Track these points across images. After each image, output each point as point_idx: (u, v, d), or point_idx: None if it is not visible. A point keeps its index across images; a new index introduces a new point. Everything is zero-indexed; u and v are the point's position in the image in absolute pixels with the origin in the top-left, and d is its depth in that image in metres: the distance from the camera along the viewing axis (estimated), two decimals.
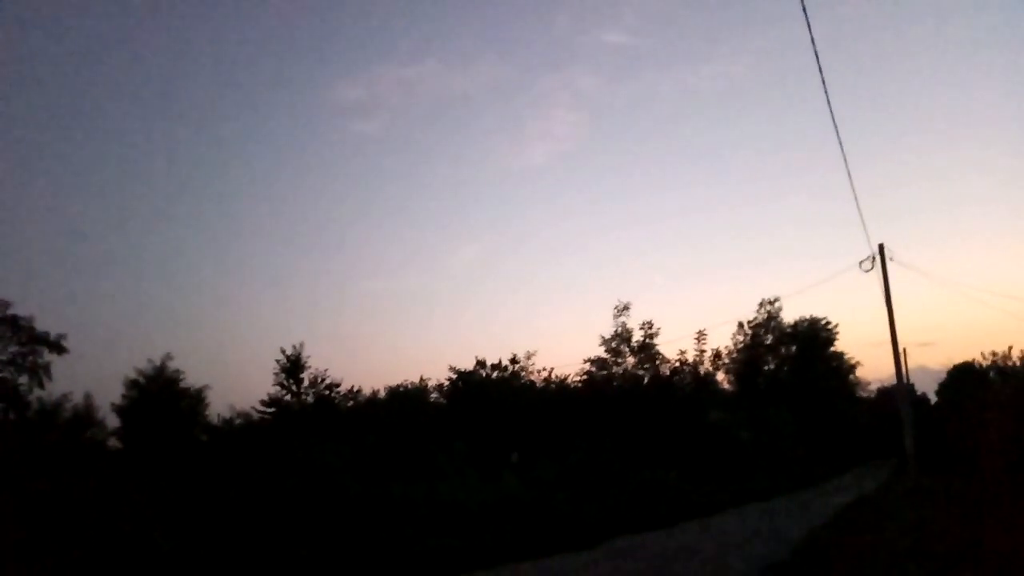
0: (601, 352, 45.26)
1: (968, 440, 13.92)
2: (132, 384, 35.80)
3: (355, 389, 40.58)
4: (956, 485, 15.91)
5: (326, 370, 37.84)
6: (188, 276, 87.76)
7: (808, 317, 61.14)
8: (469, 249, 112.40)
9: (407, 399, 43.99)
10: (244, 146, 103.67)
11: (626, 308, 44.64)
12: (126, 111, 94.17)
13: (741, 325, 59.46)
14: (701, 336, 45.14)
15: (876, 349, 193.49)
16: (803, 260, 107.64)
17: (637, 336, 44.60)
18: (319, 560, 13.71)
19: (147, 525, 14.07)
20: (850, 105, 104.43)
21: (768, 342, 60.42)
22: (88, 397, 31.54)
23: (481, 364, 42.63)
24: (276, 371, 36.46)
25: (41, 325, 26.21)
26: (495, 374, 42.74)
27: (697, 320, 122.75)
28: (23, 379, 26.01)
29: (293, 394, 36.80)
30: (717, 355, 48.73)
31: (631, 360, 44.64)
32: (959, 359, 71.78)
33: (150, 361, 36.37)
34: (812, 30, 11.29)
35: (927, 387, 75.15)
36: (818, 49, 12.14)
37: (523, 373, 43.61)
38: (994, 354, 67.22)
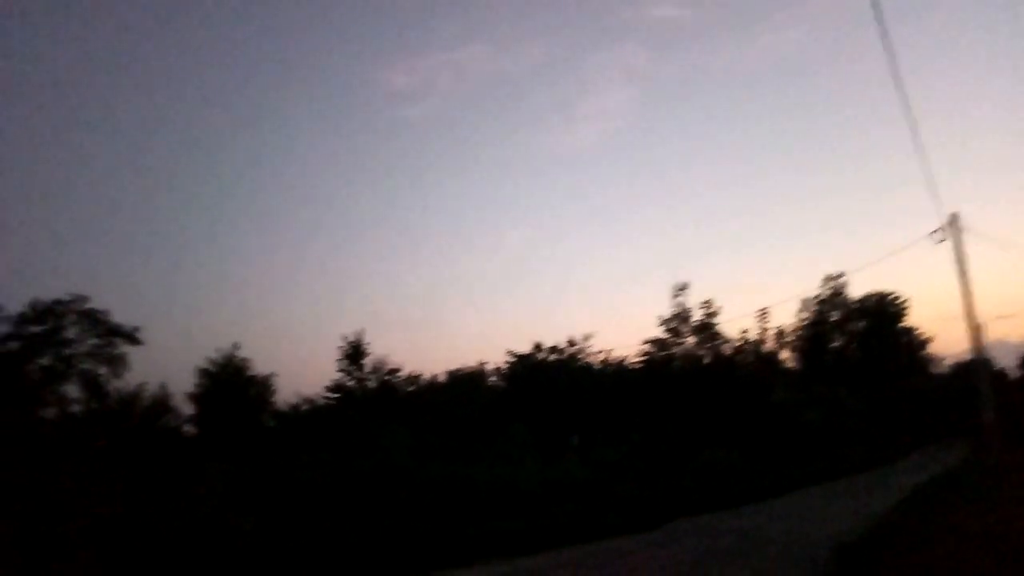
0: (660, 333, 44.88)
1: None
2: (203, 373, 37.25)
3: (415, 374, 41.39)
4: None
5: (387, 356, 38.71)
6: (253, 268, 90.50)
7: (876, 292, 59.36)
8: (522, 231, 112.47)
9: (466, 383, 44.57)
10: (301, 139, 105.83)
11: (684, 288, 44.09)
12: (191, 105, 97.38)
13: (805, 301, 58.09)
14: (763, 314, 44.26)
15: (950, 323, 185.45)
16: (869, 232, 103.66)
17: (697, 315, 44.02)
18: (396, 534, 14.08)
19: (223, 507, 14.76)
20: (915, 69, 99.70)
21: (834, 318, 58.79)
22: (163, 386, 32.89)
23: (538, 347, 42.84)
24: (339, 358, 37.43)
25: (116, 318, 27.36)
26: (552, 357, 42.82)
27: (758, 298, 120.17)
28: (102, 370, 27.31)
29: (356, 380, 37.73)
30: (781, 333, 47.70)
31: (691, 340, 43.99)
32: None
33: (219, 350, 37.79)
34: None
35: (1006, 362, 71.69)
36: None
37: (580, 355, 43.62)
38: None
